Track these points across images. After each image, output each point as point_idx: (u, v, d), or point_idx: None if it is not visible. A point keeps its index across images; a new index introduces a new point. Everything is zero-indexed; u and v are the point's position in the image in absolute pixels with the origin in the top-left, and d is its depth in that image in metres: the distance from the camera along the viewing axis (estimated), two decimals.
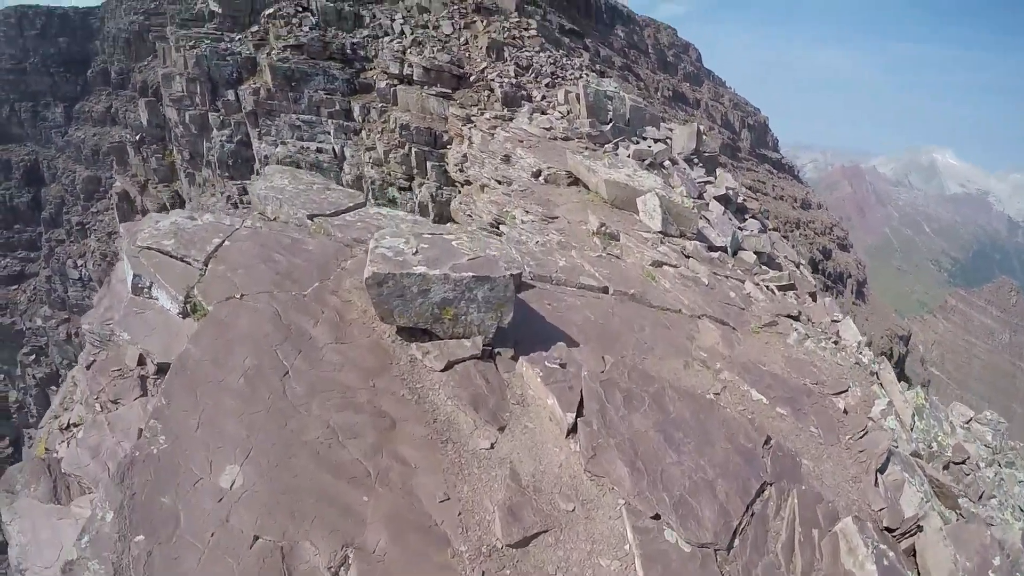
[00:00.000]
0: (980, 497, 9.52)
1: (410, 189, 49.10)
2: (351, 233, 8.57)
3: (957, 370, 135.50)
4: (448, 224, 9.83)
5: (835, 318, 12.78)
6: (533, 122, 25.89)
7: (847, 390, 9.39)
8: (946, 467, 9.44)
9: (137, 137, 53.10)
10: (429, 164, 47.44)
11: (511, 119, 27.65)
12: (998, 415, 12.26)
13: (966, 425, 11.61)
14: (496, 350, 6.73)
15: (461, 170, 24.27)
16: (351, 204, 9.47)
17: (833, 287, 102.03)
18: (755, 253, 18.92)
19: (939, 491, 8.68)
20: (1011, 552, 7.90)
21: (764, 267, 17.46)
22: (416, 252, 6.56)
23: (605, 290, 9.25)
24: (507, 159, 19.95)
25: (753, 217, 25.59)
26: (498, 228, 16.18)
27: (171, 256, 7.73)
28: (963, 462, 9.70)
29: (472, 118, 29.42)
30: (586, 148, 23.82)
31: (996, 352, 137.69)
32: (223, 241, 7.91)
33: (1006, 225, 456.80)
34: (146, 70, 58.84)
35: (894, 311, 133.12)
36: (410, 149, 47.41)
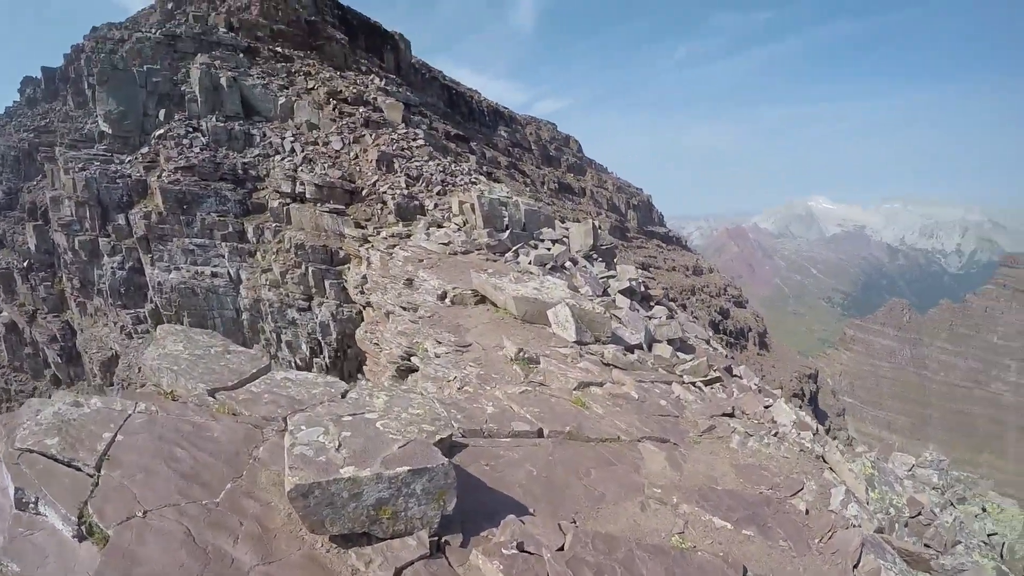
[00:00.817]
0: (946, 547, 9.48)
1: (309, 309, 47.85)
2: (259, 409, 7.84)
3: (867, 393, 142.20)
4: (362, 384, 9.19)
5: (766, 403, 12.79)
6: (431, 237, 25.81)
7: (802, 488, 9.23)
8: (906, 525, 9.44)
9: (25, 263, 49.83)
10: (327, 282, 46.55)
11: (408, 236, 27.51)
12: (937, 453, 12.50)
13: (910, 473, 11.72)
14: (444, 539, 6.10)
15: (362, 292, 23.73)
16: (254, 370, 8.74)
17: (736, 343, 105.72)
18: (668, 343, 19.15)
19: (911, 560, 8.59)
20: None
21: (680, 354, 17.60)
22: (339, 445, 5.96)
23: (540, 433, 8.83)
24: (410, 282, 19.59)
25: (658, 303, 26.10)
26: (409, 362, 15.60)
27: (57, 460, 6.72)
28: (919, 514, 9.70)
29: (369, 238, 29.11)
30: (487, 259, 23.87)
31: (900, 368, 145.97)
32: (115, 435, 6.98)
33: (886, 252, 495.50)
34: (35, 190, 56.11)
35: (798, 353, 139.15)
36: (307, 268, 46.51)
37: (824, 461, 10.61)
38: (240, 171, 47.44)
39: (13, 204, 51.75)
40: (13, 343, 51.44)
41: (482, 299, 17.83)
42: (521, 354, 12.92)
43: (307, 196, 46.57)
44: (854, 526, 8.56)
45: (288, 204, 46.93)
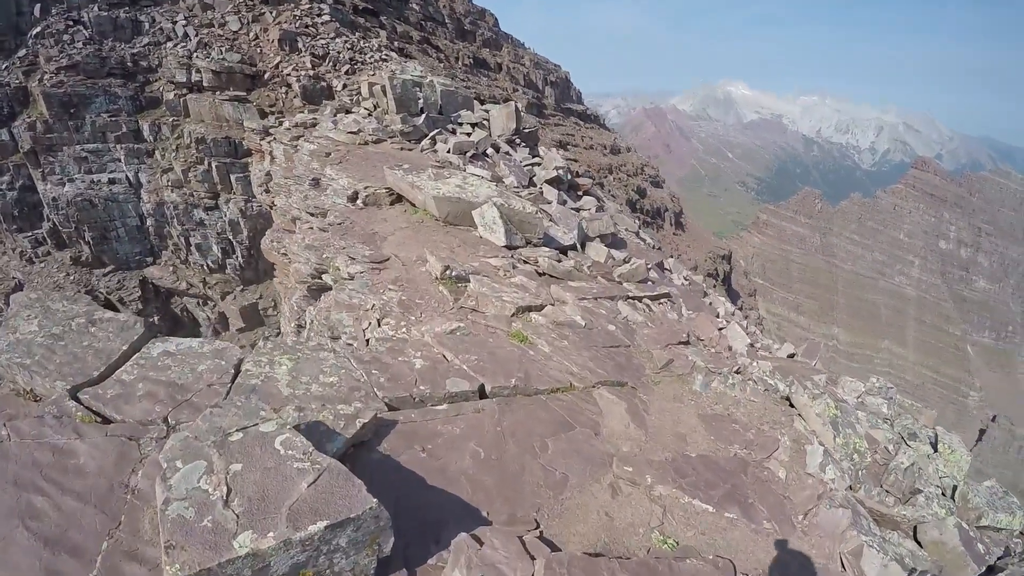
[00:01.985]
0: (904, 495, 8.75)
1: (217, 208, 44.07)
2: (133, 410, 5.76)
3: (778, 276, 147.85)
4: (260, 347, 7.07)
5: (719, 326, 11.34)
6: (339, 126, 22.83)
7: (777, 447, 7.91)
8: (867, 469, 8.68)
9: None
10: (233, 177, 42.70)
11: (314, 124, 24.36)
12: (885, 381, 11.72)
13: (860, 401, 10.96)
14: None
15: (267, 191, 20.81)
16: (124, 347, 6.53)
17: (652, 222, 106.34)
18: (600, 239, 17.63)
19: (880, 520, 7.75)
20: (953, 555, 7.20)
21: (614, 253, 16.04)
22: (228, 492, 3.99)
23: (482, 392, 7.05)
24: (316, 183, 16.93)
25: (587, 193, 24.31)
26: (320, 280, 13.36)
27: None
28: (876, 453, 8.92)
29: (271, 130, 25.76)
30: (401, 148, 21.37)
31: (810, 254, 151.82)
32: None
33: (802, 143, 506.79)
34: None
35: (713, 234, 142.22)
36: (210, 164, 42.54)
37: (790, 404, 9.37)
38: (130, 63, 42.30)
39: None
40: None
41: (398, 198, 15.55)
42: (448, 272, 10.96)
43: (205, 85, 42.16)
44: (839, 505, 7.34)
45: (185, 95, 42.46)
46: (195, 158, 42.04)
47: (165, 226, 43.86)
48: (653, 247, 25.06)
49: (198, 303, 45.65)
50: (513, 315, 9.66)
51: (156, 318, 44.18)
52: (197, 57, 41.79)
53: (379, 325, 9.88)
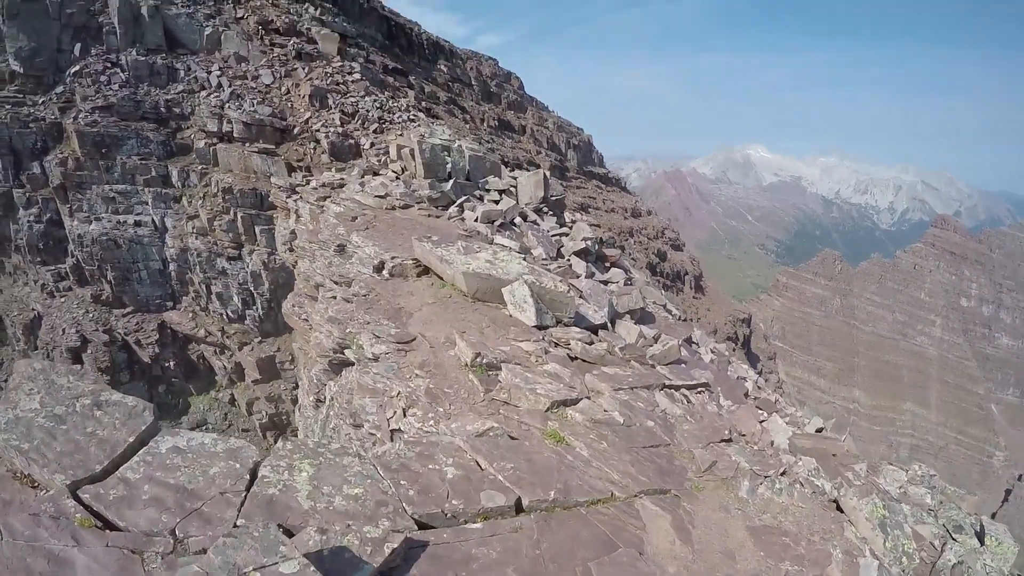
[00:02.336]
0: None
1: (240, 258, 44.07)
2: (137, 516, 5.30)
3: (798, 339, 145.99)
4: (278, 449, 6.56)
5: (760, 418, 10.74)
6: (366, 188, 22.75)
7: (829, 561, 7.32)
8: (915, 572, 8.28)
9: None
10: (258, 229, 42.76)
11: (342, 185, 24.32)
12: (927, 468, 11.32)
13: (902, 491, 10.43)
14: None
15: (291, 249, 20.54)
16: (131, 439, 6.05)
17: (672, 286, 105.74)
18: (630, 315, 17.16)
19: None
20: None
21: (644, 330, 15.47)
22: None
23: (519, 506, 6.47)
24: (342, 249, 16.68)
25: (614, 265, 23.94)
26: (343, 355, 12.93)
27: None
28: (922, 551, 8.47)
29: (297, 188, 25.74)
30: (428, 215, 21.15)
31: (830, 316, 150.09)
32: None
33: (821, 204, 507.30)
34: None
35: (732, 297, 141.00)
36: (236, 215, 42.61)
37: (838, 508, 8.79)
38: (163, 109, 42.68)
39: None
40: None
41: (425, 270, 15.23)
42: (478, 359, 10.48)
43: (235, 135, 42.42)
44: None
45: (215, 144, 42.71)
46: (221, 207, 42.19)
47: (187, 272, 43.82)
48: (680, 318, 24.52)
49: (215, 351, 45.31)
50: (548, 410, 9.12)
51: (172, 363, 43.88)
52: (229, 108, 42.28)
53: (404, 415, 9.41)
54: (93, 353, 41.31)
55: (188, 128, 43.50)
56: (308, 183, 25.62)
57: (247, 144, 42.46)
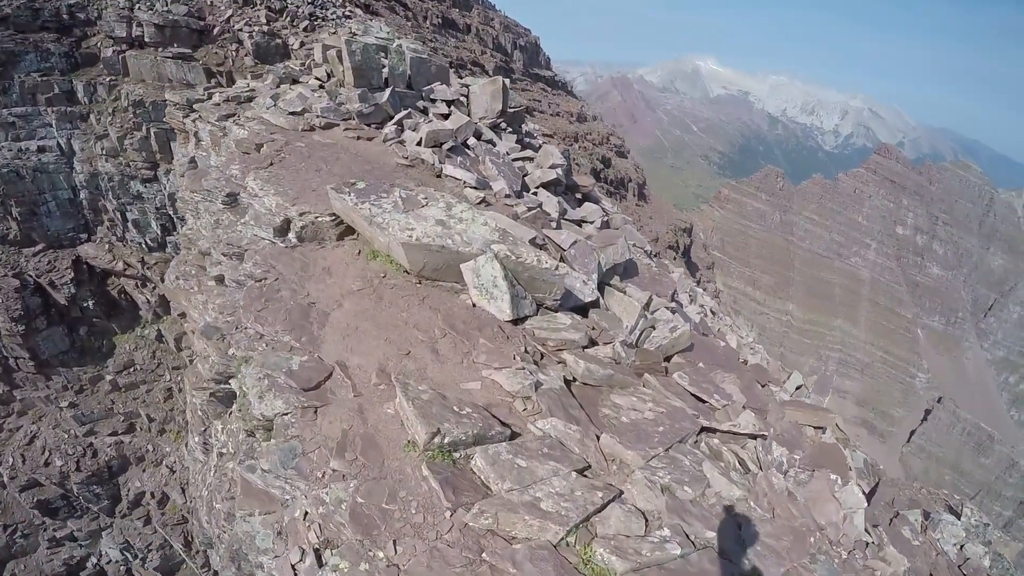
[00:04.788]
0: None
1: (156, 179, 37.54)
2: None
3: (737, 251, 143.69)
4: None
5: (847, 513, 6.58)
6: (279, 102, 17.05)
7: None
8: None
9: None
10: (174, 145, 36.10)
11: (250, 100, 18.47)
12: (979, 514, 9.88)
13: (959, 549, 8.14)
14: None
15: (191, 191, 14.86)
16: None
17: (616, 192, 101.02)
18: (614, 270, 12.89)
19: None
20: None
21: (646, 315, 11.16)
22: None
23: None
24: (233, 201, 11.38)
25: (586, 197, 19.14)
26: (228, 385, 8.07)
27: None
28: None
29: (195, 104, 19.70)
30: (357, 136, 15.78)
31: (769, 231, 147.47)
32: None
33: (767, 121, 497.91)
34: None
35: (674, 206, 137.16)
36: (148, 131, 35.90)
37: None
38: (65, 16, 35.37)
39: None
40: None
41: (348, 228, 10.19)
42: (437, 439, 5.81)
43: (147, 40, 35.64)
44: None
45: (124, 51, 35.72)
46: (132, 123, 35.55)
47: (100, 199, 37.38)
48: (658, 262, 20.10)
49: (136, 285, 39.41)
50: (562, 541, 4.62)
51: (91, 302, 37.99)
52: (140, 9, 35.27)
53: (320, 563, 4.78)
54: (4, 302, 35.12)
55: (95, 35, 36.13)
56: (211, 98, 19.58)
57: (160, 49, 35.52)
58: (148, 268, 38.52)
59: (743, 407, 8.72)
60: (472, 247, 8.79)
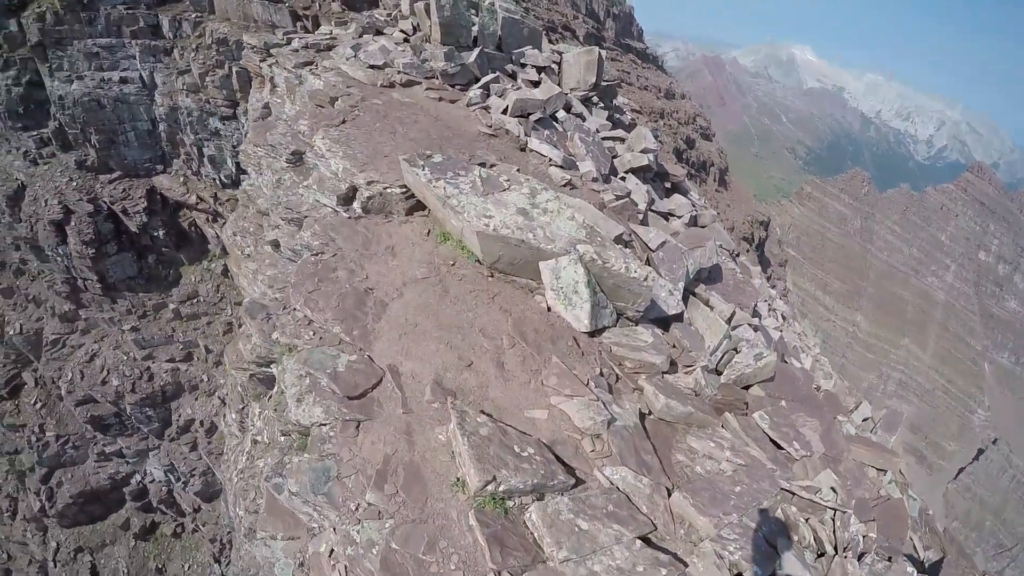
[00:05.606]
0: None
1: (235, 117, 37.45)
2: None
3: (812, 252, 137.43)
4: None
5: None
6: (359, 54, 16.07)
7: None
8: None
9: None
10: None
11: (330, 48, 17.55)
12: None
13: None
14: None
15: (255, 145, 13.96)
16: None
17: (696, 175, 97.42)
18: (698, 275, 11.67)
19: None
20: None
21: (731, 334, 9.96)
22: None
23: None
24: (298, 160, 10.49)
25: (675, 188, 17.66)
26: (269, 369, 7.27)
27: None
28: None
29: (272, 48, 18.91)
30: (439, 97, 14.71)
31: (848, 236, 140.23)
32: None
33: (859, 120, 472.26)
34: None
35: (754, 196, 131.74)
36: (230, 69, 35.65)
37: None
38: None
39: None
40: None
41: (417, 205, 9.17)
42: (489, 487, 4.79)
43: None
44: None
45: None
46: (215, 61, 35.34)
47: (178, 133, 37.56)
48: (740, 264, 18.54)
49: (207, 219, 39.74)
50: None
51: (161, 232, 38.54)
52: None
53: None
54: (77, 225, 35.92)
55: None
56: (289, 42, 18.75)
57: None
58: (220, 204, 38.72)
59: (821, 459, 7.77)
60: (555, 244, 7.67)
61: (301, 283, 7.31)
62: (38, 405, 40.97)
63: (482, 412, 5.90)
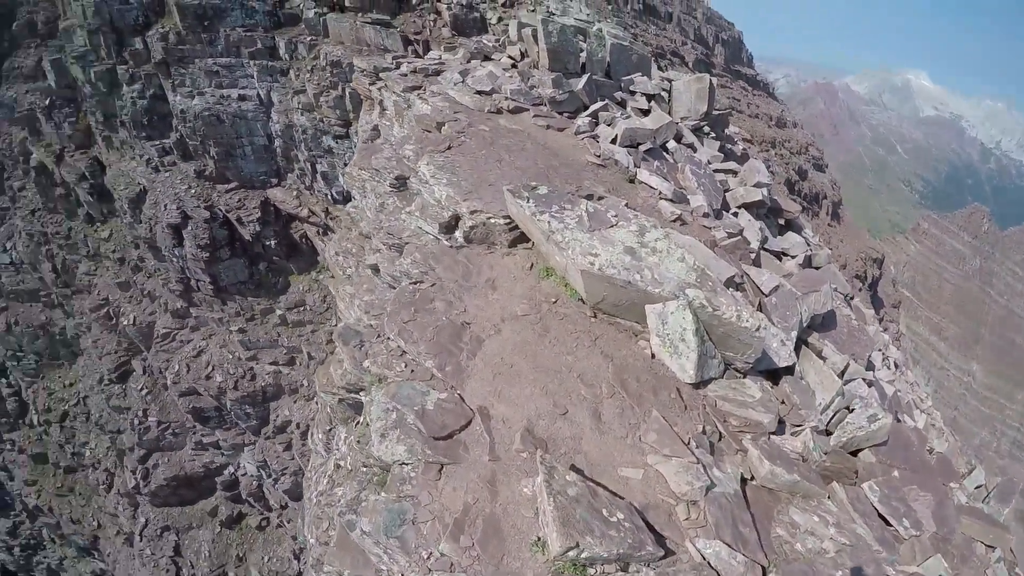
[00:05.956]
0: None
1: (347, 136, 38.85)
2: None
3: (928, 293, 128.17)
4: None
5: None
6: (467, 79, 16.12)
7: None
8: None
9: (47, 101, 42.14)
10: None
11: (438, 72, 17.73)
12: None
13: None
14: None
15: (360, 168, 14.11)
16: None
17: (808, 208, 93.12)
18: (811, 324, 10.84)
19: None
20: None
21: (844, 388, 9.12)
22: None
23: None
24: (401, 184, 10.47)
25: (789, 225, 16.68)
26: (358, 395, 7.12)
27: None
28: None
29: (381, 72, 19.30)
30: (547, 125, 14.46)
31: (967, 277, 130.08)
32: None
33: (979, 151, 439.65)
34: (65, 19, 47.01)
35: (867, 231, 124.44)
36: (344, 90, 37.05)
37: None
38: None
39: (54, 33, 42.45)
40: (44, 184, 44.58)
41: (520, 237, 8.89)
42: (571, 553, 4.37)
43: (347, 4, 36.38)
44: None
45: (325, 14, 36.80)
46: (329, 82, 36.79)
47: (293, 149, 39.32)
48: (855, 308, 17.23)
49: (318, 232, 41.28)
50: None
51: (273, 241, 40.35)
52: None
53: None
54: (193, 230, 38.21)
55: None
56: (398, 66, 19.08)
57: (360, 14, 36.30)
58: (331, 218, 40.10)
59: (931, 540, 6.94)
60: (663, 288, 7.17)
61: (397, 312, 7.15)
62: (144, 392, 43.73)
63: (572, 468, 5.47)
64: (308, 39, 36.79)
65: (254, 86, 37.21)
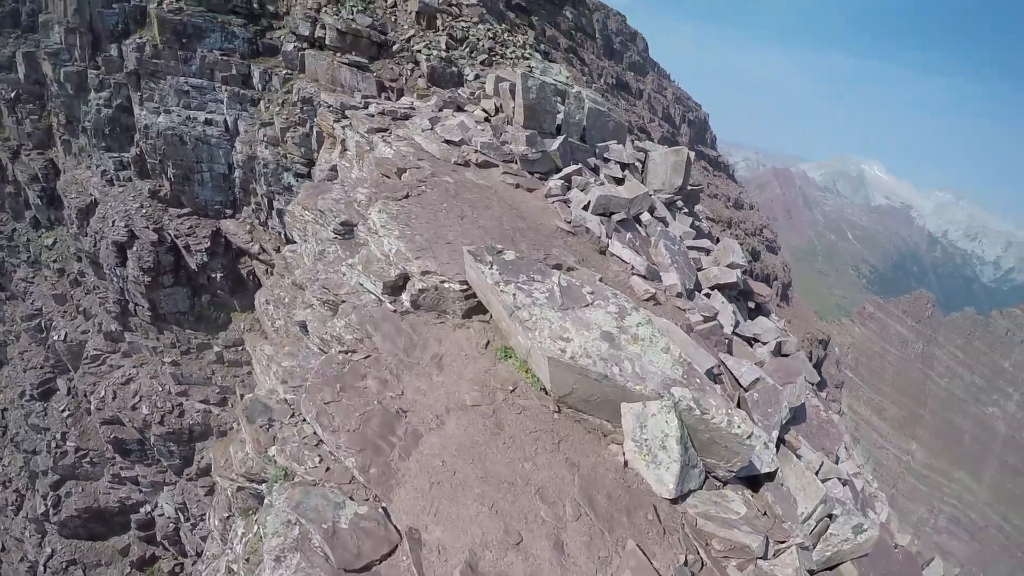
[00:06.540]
0: None
1: (309, 176, 37.52)
2: None
3: (870, 374, 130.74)
4: None
5: None
6: (437, 127, 15.07)
7: None
8: None
9: (13, 94, 39.96)
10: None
11: (407, 117, 16.64)
12: None
13: None
14: None
15: (304, 208, 12.72)
16: None
17: None
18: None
19: None
20: None
21: (827, 496, 8.01)
22: None
23: None
24: (346, 231, 9.16)
25: (759, 309, 15.82)
26: (257, 488, 5.63)
27: None
28: None
29: (347, 110, 18.19)
30: (516, 184, 13.41)
31: (908, 361, 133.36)
32: None
33: (926, 240, 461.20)
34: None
35: (814, 313, 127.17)
36: (311, 128, 35.93)
37: None
38: (256, 5, 36.58)
39: (35, 26, 40.90)
40: None
41: (477, 306, 7.59)
42: None
43: (327, 43, 35.65)
44: None
45: (304, 49, 35.95)
46: (298, 118, 35.66)
47: (252, 181, 37.73)
48: (829, 405, 16.36)
49: (267, 270, 39.38)
50: None
51: (220, 274, 38.28)
52: (326, 12, 35.45)
53: None
54: (138, 251, 36.03)
55: (279, 29, 36.93)
56: (366, 106, 18.04)
57: (339, 54, 35.54)
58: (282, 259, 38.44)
59: None
60: (646, 385, 5.95)
61: (319, 388, 5.76)
62: (65, 414, 40.75)
63: None
64: (284, 72, 35.79)
65: (222, 112, 35.88)
